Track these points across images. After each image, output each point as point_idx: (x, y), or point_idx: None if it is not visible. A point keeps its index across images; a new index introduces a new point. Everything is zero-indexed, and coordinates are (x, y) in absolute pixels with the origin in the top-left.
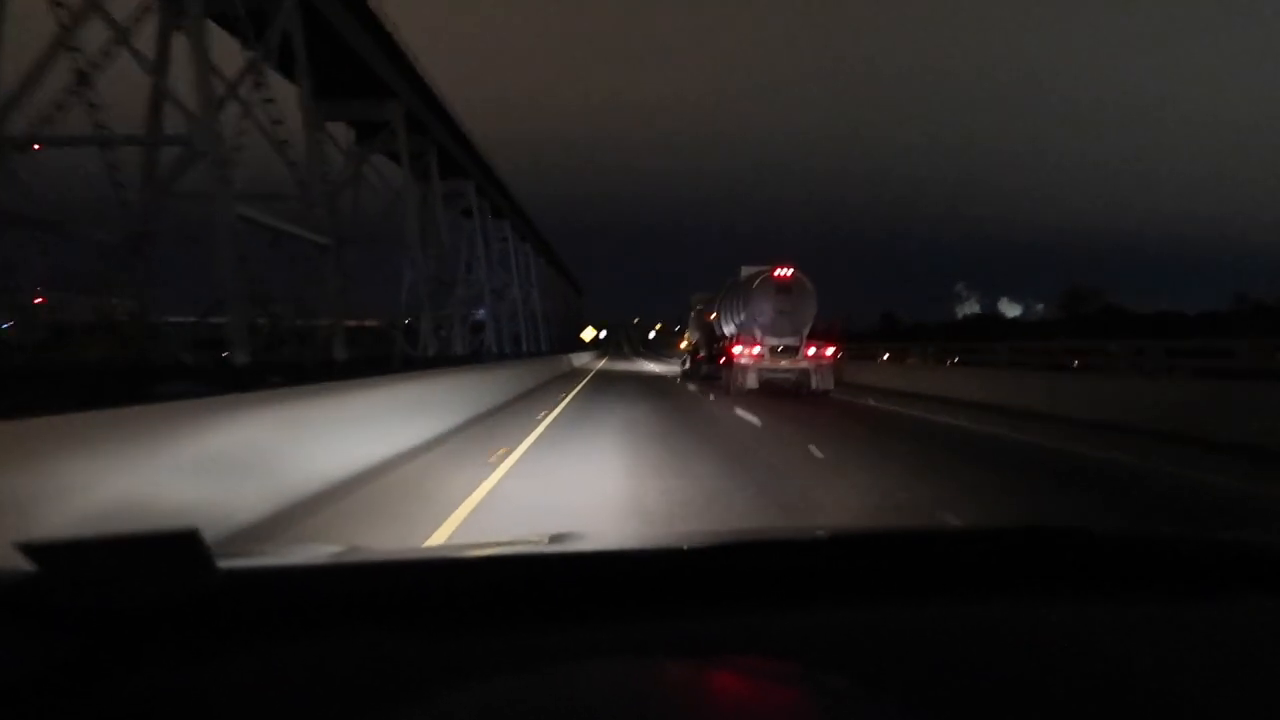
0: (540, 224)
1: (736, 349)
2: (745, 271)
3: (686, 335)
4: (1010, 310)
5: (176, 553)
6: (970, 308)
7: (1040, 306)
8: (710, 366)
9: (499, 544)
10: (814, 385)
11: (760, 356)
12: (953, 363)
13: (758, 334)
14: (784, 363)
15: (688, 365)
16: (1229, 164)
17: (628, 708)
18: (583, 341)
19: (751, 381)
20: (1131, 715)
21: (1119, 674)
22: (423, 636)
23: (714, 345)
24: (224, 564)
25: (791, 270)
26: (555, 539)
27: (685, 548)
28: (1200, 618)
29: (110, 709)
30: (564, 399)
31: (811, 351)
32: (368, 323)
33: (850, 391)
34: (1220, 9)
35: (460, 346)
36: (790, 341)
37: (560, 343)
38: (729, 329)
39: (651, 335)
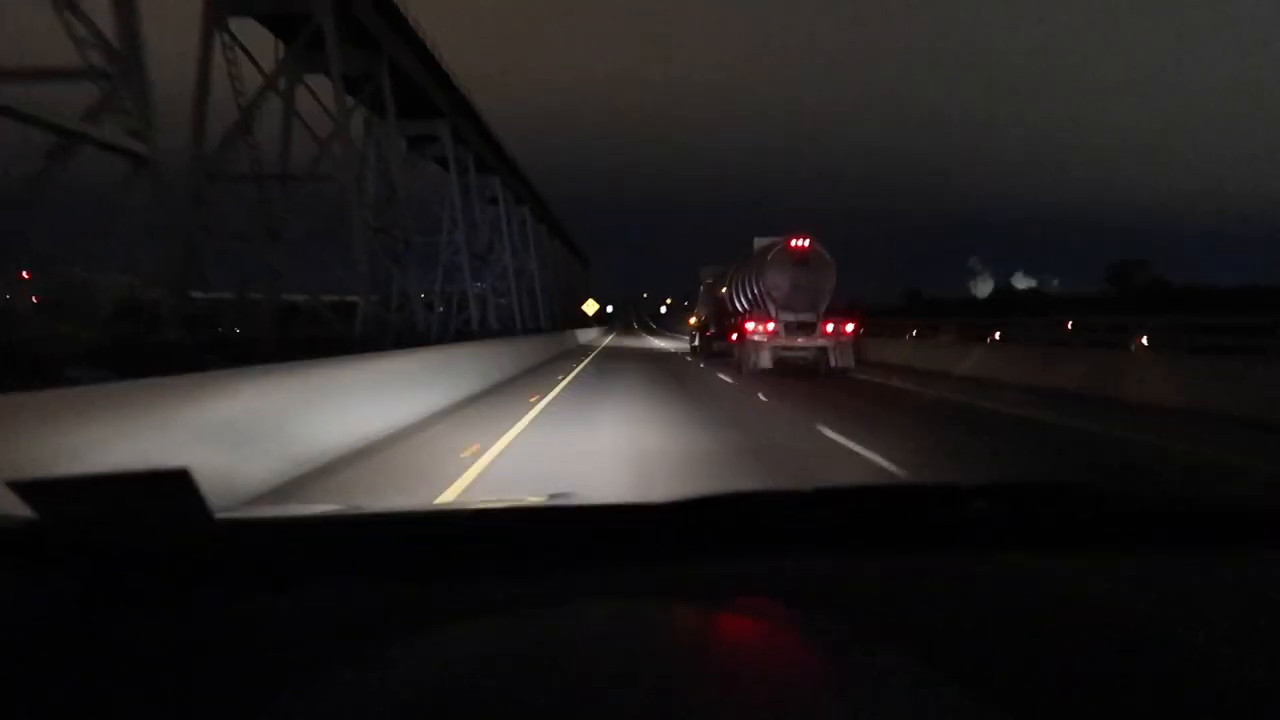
0: (544, 192)
1: (750, 325)
2: (759, 243)
3: (695, 311)
4: (1022, 284)
5: (170, 493)
6: (984, 283)
7: (1056, 281)
8: (721, 343)
9: (497, 500)
10: (833, 363)
11: (775, 333)
12: (994, 339)
13: (772, 309)
14: (800, 340)
15: (697, 342)
16: (1246, 139)
17: (622, 646)
18: (587, 317)
19: (766, 360)
20: (1126, 660)
21: (1117, 621)
22: (420, 583)
23: (725, 321)
24: (221, 515)
25: (808, 241)
26: (554, 498)
27: (680, 500)
28: (1199, 569)
29: (105, 649)
30: (540, 401)
31: (830, 328)
32: (349, 298)
33: (875, 371)
34: None
35: (433, 324)
36: (807, 317)
37: (565, 318)
38: (741, 304)
39: (663, 310)
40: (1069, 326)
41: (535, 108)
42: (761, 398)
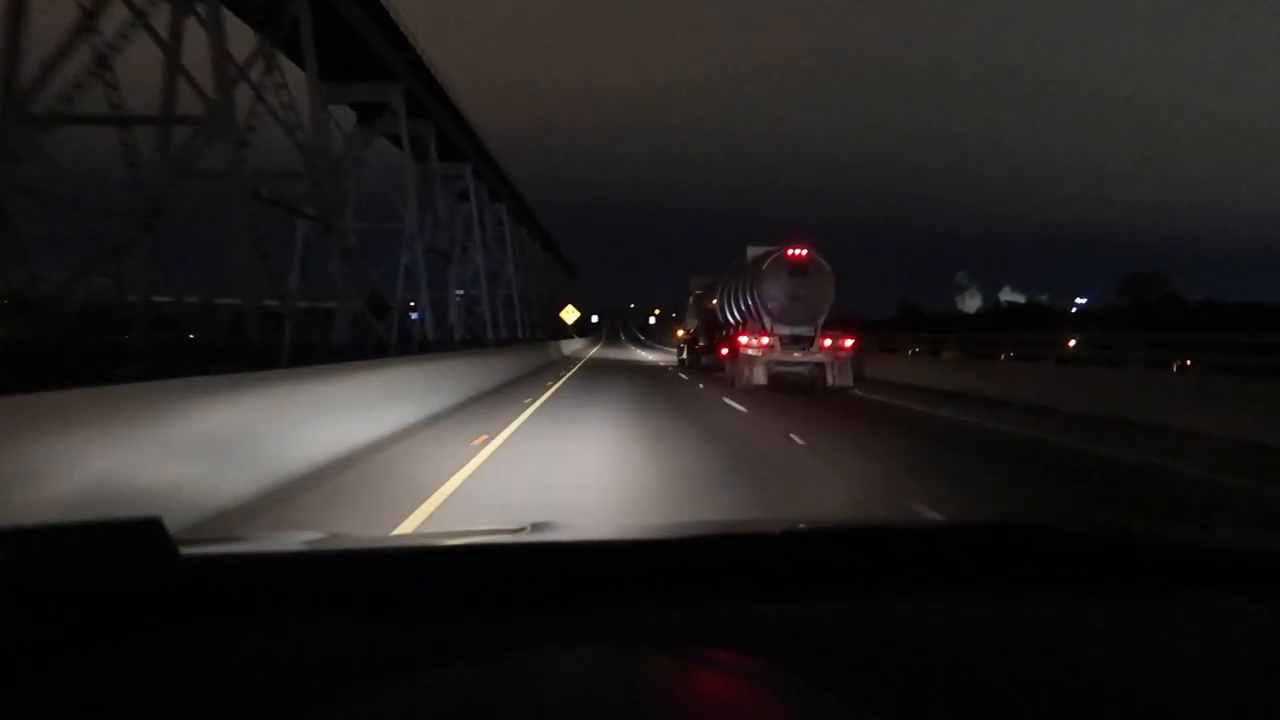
0: (527, 195)
1: (743, 339)
2: (752, 252)
3: (684, 323)
4: (1009, 299)
5: (137, 541)
6: (972, 297)
7: (1045, 296)
8: (710, 357)
9: (477, 533)
10: (830, 381)
11: (770, 347)
12: (1007, 357)
13: (767, 322)
14: (797, 354)
15: (685, 355)
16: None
17: (601, 696)
18: (568, 325)
19: (760, 376)
20: (1088, 710)
21: (1077, 669)
22: (396, 624)
23: (715, 334)
24: (188, 551)
25: (807, 250)
26: (536, 528)
27: (661, 539)
28: (1156, 614)
29: (71, 691)
30: (488, 441)
31: (828, 343)
32: (324, 304)
33: (879, 390)
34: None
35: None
36: (804, 331)
37: (547, 327)
38: (733, 316)
39: (651, 321)
40: (1069, 345)
41: (522, 116)
42: (794, 439)
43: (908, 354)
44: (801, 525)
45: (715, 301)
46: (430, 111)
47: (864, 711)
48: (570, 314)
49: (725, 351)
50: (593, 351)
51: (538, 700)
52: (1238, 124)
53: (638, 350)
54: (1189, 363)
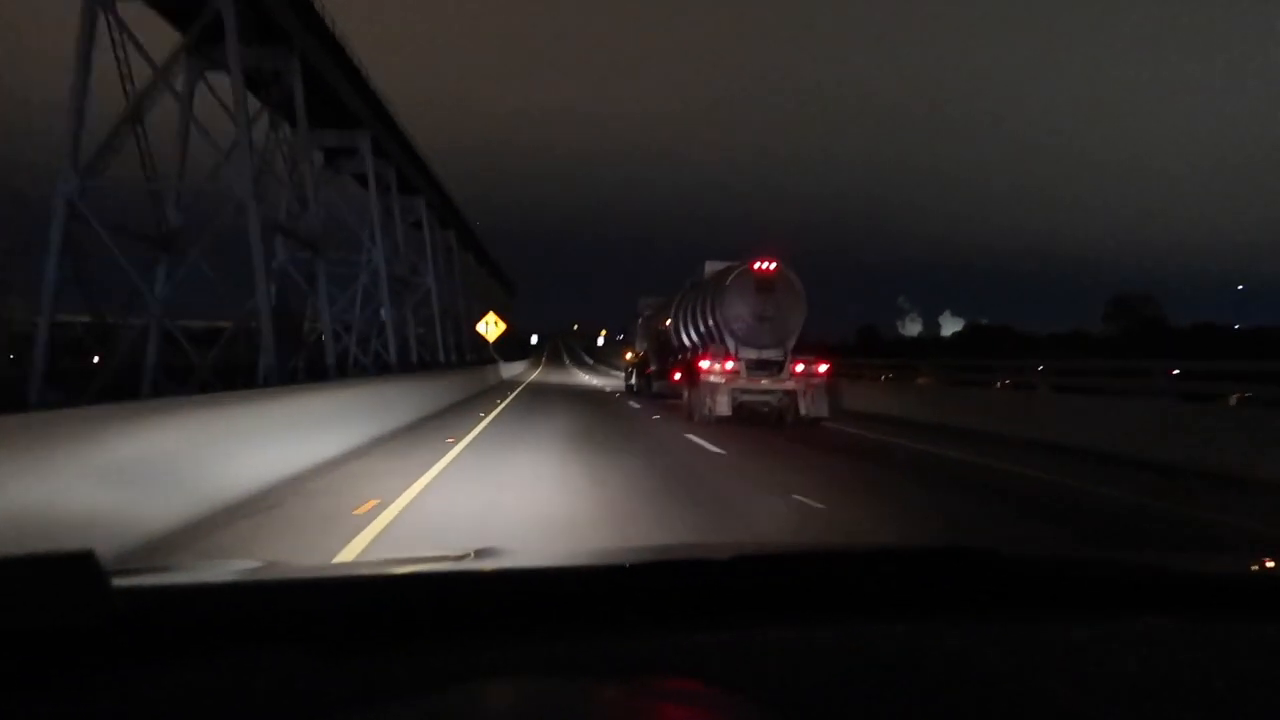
0: (471, 218)
1: (704, 363)
2: (711, 267)
3: (632, 346)
4: (950, 326)
5: (68, 576)
6: (913, 322)
7: (984, 320)
8: (662, 383)
9: (420, 559)
10: (804, 411)
11: (735, 373)
12: (1003, 385)
13: (731, 345)
14: (765, 381)
15: (633, 380)
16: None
17: None
18: (488, 344)
19: (723, 406)
20: None
21: (1029, 692)
22: (337, 657)
23: (668, 358)
24: (122, 582)
25: (775, 264)
26: (480, 554)
27: (607, 565)
28: (1097, 637)
29: None
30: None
31: (800, 368)
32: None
33: (860, 423)
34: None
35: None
36: (773, 355)
37: (478, 350)
38: (690, 338)
39: (600, 342)
40: (1039, 370)
41: (467, 137)
42: (803, 500)
43: (879, 380)
44: (750, 550)
45: (669, 323)
46: (390, 153)
47: None
48: (493, 328)
49: (680, 376)
50: (533, 375)
51: None
52: (1168, 151)
53: (582, 373)
54: (1241, 396)
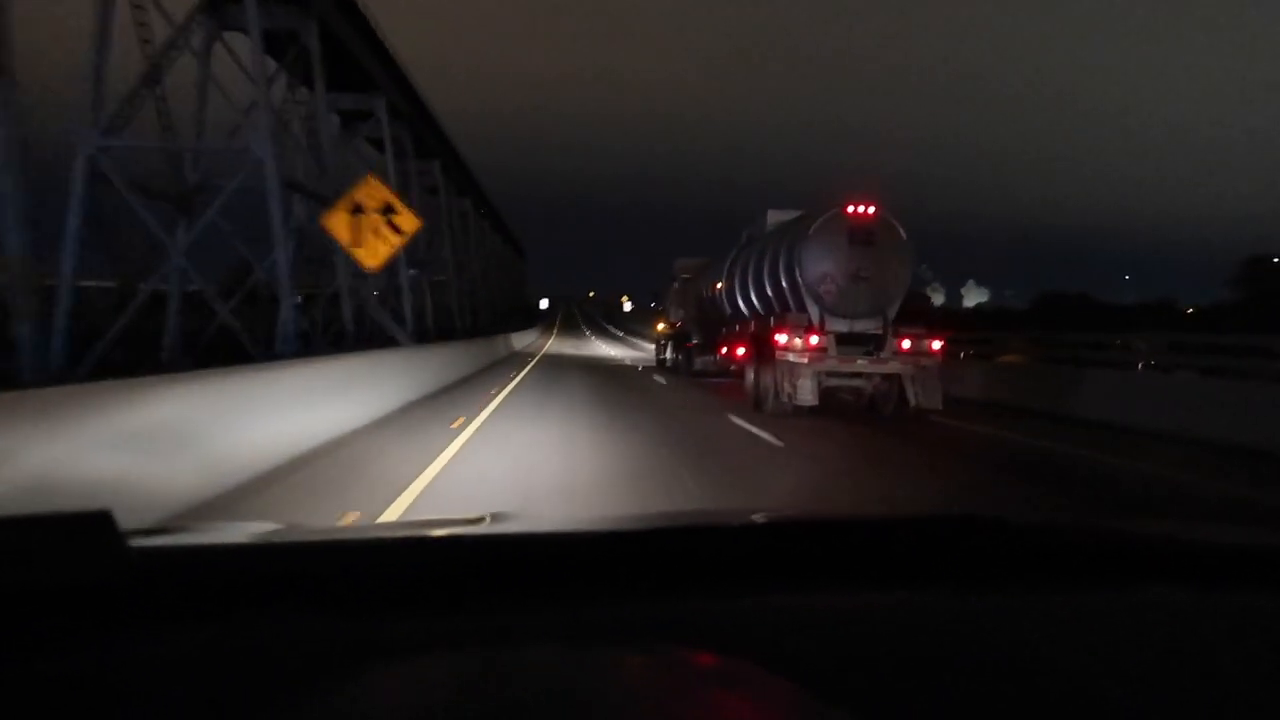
0: (487, 185)
1: (780, 337)
2: (776, 217)
3: (663, 314)
4: (975, 296)
5: (86, 534)
6: (935, 293)
7: (1008, 292)
8: (706, 358)
9: (437, 523)
10: (912, 400)
11: (822, 350)
12: (1146, 366)
13: (814, 313)
14: (862, 361)
15: (668, 354)
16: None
17: (563, 692)
18: (535, 312)
19: (806, 392)
20: (1038, 703)
21: (1041, 662)
22: (352, 619)
23: (715, 329)
24: (139, 543)
25: (874, 207)
26: (496, 518)
27: (622, 531)
28: (1106, 606)
29: (16, 692)
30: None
31: (907, 344)
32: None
33: (957, 413)
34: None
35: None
36: (869, 326)
37: (495, 318)
38: (749, 305)
39: (628, 307)
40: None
41: (481, 102)
42: None
43: (957, 357)
44: (764, 517)
45: (719, 286)
46: (406, 116)
47: (831, 706)
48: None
49: (741, 352)
50: (550, 344)
51: (499, 696)
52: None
53: (601, 344)
54: None
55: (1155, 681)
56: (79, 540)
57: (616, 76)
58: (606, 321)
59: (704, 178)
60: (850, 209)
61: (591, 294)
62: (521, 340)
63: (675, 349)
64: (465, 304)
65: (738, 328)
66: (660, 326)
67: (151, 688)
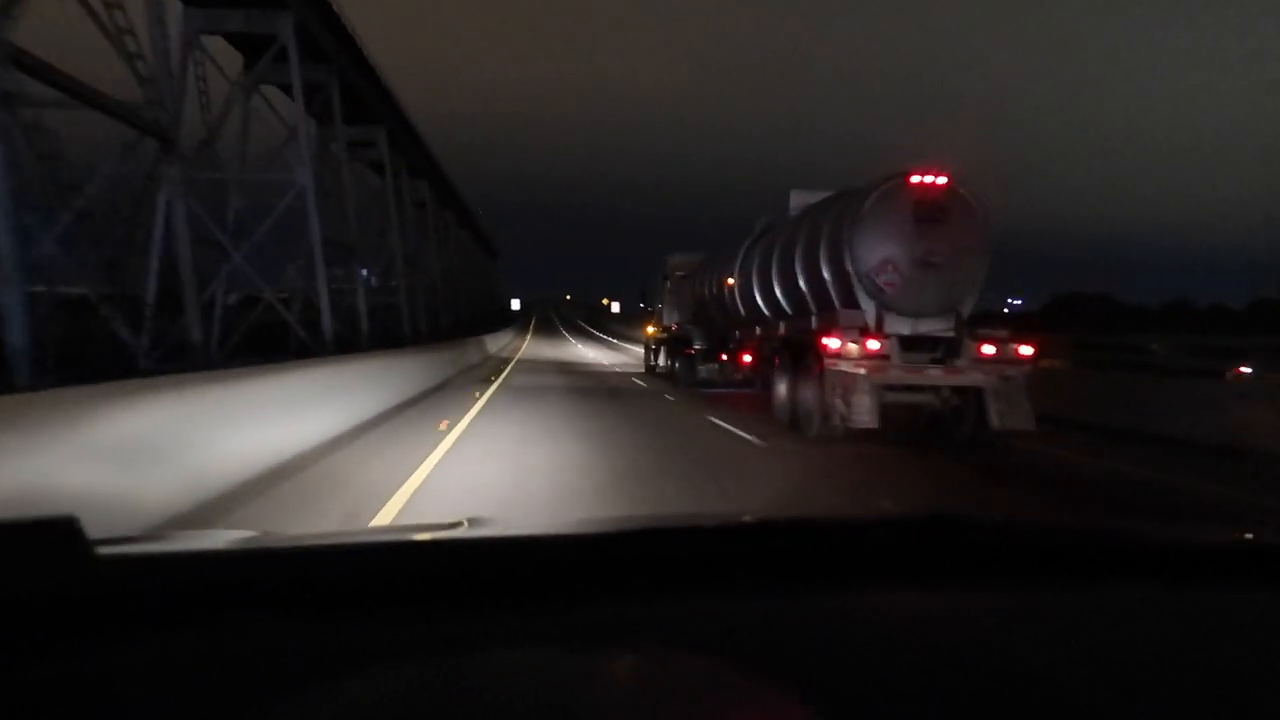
0: (452, 172)
1: (831, 341)
2: (801, 199)
3: (653, 317)
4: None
5: (51, 542)
6: None
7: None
8: (711, 366)
9: (413, 528)
10: (996, 420)
11: (884, 357)
12: (1236, 374)
13: (870, 311)
14: (935, 372)
15: (660, 360)
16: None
17: (539, 696)
18: (506, 313)
19: (864, 410)
20: (1014, 700)
21: (1001, 659)
22: (326, 626)
23: (728, 331)
24: (108, 551)
25: (946, 177)
26: (473, 523)
27: (601, 533)
28: (1077, 605)
29: None
30: None
31: (989, 349)
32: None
33: (1070, 440)
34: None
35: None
36: (938, 327)
37: (457, 322)
38: (769, 302)
39: (615, 309)
40: None
41: (454, 104)
42: None
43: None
44: (740, 518)
45: (731, 282)
46: (331, 55)
47: (812, 705)
48: None
49: (748, 359)
50: (526, 346)
51: (478, 701)
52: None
53: (582, 346)
54: None
55: (1129, 678)
56: (43, 547)
57: (590, 85)
58: (588, 324)
59: (684, 185)
60: (916, 178)
61: (568, 297)
62: (493, 344)
63: (671, 355)
64: (419, 304)
65: (757, 330)
66: (651, 330)
67: (119, 696)
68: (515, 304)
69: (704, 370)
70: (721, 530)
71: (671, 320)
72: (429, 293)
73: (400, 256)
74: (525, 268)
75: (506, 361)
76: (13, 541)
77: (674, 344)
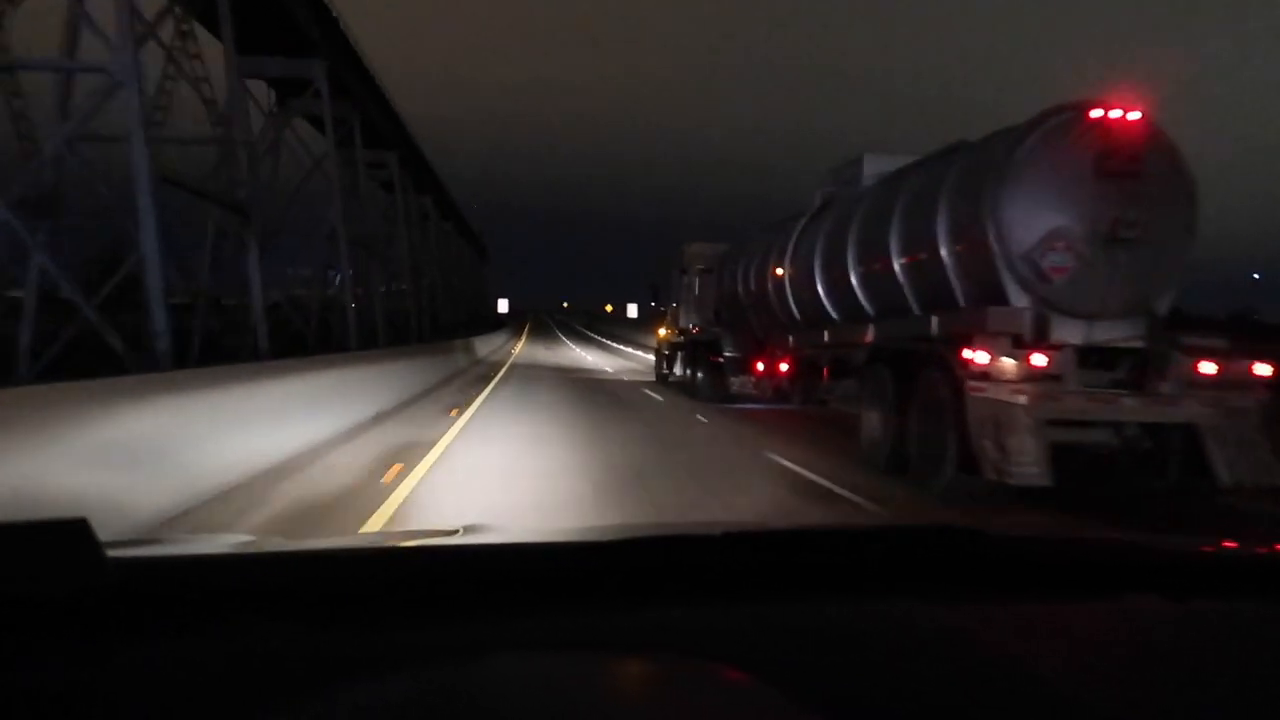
0: (451, 183)
1: (978, 355)
2: (876, 166)
3: (667, 318)
4: None
5: (63, 544)
6: None
7: None
8: (744, 379)
9: (412, 534)
10: (1224, 475)
11: (1054, 376)
12: None
13: (1025, 310)
14: (1127, 401)
15: (676, 370)
16: None
17: (539, 704)
18: (498, 317)
19: (1028, 455)
20: (1015, 710)
21: (1003, 668)
22: (328, 630)
23: (767, 335)
24: (117, 553)
25: (1141, 113)
26: (470, 530)
27: (599, 542)
28: (1082, 615)
29: None
30: None
31: (1209, 367)
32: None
33: None
34: None
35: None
36: (1123, 333)
37: (436, 327)
38: (840, 299)
39: (632, 313)
40: None
41: (452, 109)
42: None
43: None
44: (741, 528)
45: (781, 273)
46: (354, 93)
47: (810, 712)
48: None
49: (782, 368)
50: (520, 349)
51: (479, 708)
52: None
53: (583, 351)
54: None
55: (1131, 688)
56: (56, 550)
57: (580, 88)
58: (587, 329)
59: (685, 188)
60: (1097, 111)
61: (565, 304)
62: (486, 346)
63: (690, 363)
64: (424, 308)
65: (826, 335)
66: (663, 333)
67: (127, 698)
68: (503, 305)
69: (737, 383)
70: (723, 539)
71: (690, 322)
72: (430, 297)
73: (409, 267)
74: (521, 277)
75: (499, 365)
76: (26, 543)
77: (695, 350)
